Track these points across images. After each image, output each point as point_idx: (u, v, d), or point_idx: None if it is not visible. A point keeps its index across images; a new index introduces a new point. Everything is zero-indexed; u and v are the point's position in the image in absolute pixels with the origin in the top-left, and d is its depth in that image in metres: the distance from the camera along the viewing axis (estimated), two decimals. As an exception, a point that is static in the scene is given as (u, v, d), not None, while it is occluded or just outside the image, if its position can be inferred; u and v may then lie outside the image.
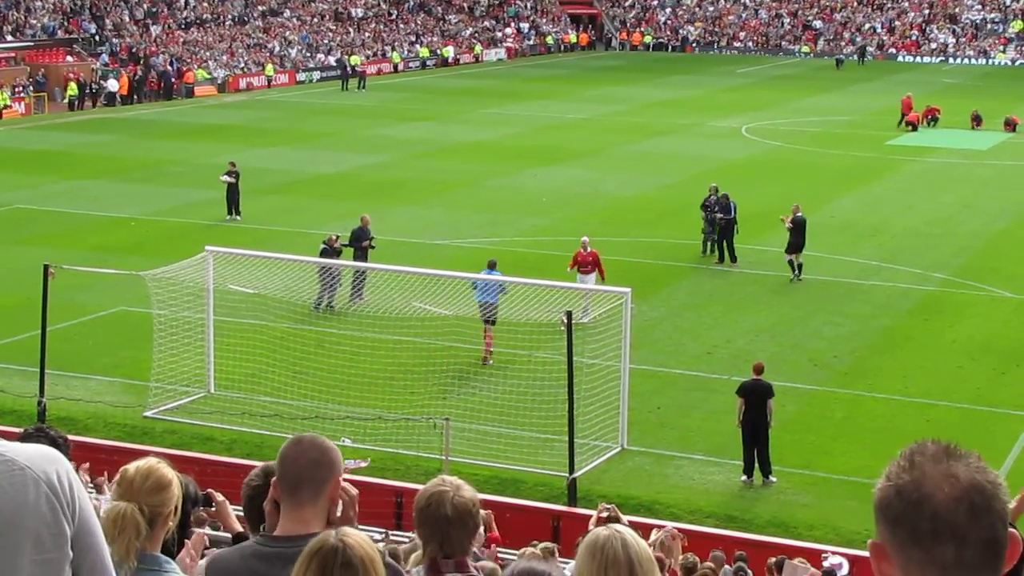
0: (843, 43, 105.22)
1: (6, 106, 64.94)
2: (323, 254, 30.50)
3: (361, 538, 3.83)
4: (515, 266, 33.76)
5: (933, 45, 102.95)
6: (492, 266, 27.94)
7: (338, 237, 31.48)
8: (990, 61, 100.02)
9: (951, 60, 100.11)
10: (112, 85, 70.53)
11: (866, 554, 2.90)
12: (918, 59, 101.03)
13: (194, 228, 38.67)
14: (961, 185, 49.48)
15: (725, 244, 35.54)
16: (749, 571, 15.51)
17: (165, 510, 4.92)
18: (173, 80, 74.20)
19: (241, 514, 6.30)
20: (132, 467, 5.06)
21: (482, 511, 15.82)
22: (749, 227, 36.17)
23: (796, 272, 34.36)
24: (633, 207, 43.76)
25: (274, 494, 4.90)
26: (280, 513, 4.86)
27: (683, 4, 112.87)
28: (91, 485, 13.48)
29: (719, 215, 35.51)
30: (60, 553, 3.66)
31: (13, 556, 3.58)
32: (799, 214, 34.45)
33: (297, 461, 4.72)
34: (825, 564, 16.39)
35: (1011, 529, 2.77)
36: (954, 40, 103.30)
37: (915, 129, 63.00)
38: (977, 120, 63.81)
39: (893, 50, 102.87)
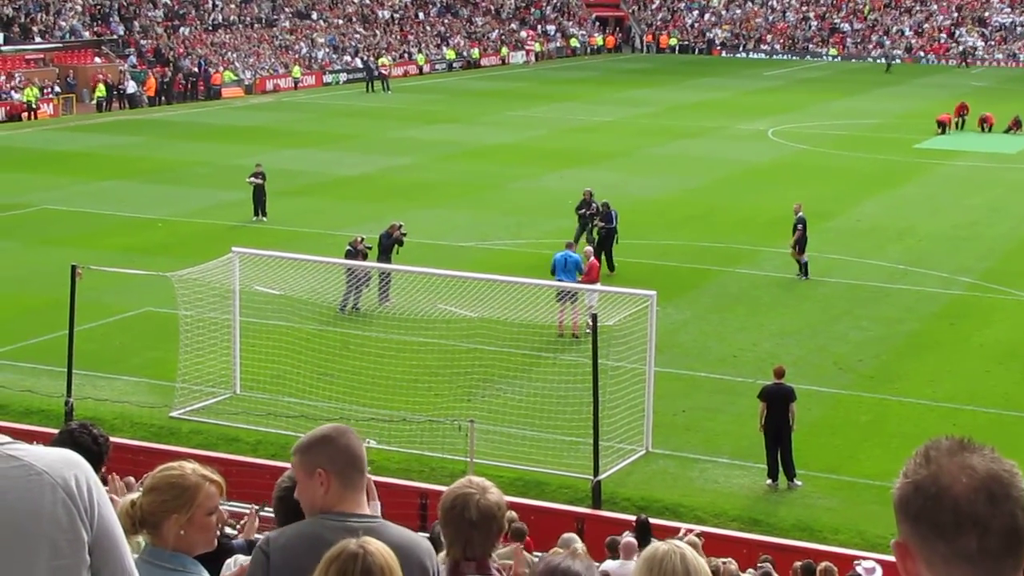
0: (871, 46, 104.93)
1: (36, 106, 65.24)
2: (348, 256, 30.57)
3: (381, 545, 3.84)
4: (540, 268, 33.78)
5: (961, 48, 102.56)
6: (569, 247, 30.26)
7: (363, 239, 31.54)
8: (1020, 64, 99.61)
9: (980, 63, 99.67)
10: (131, 87, 70.73)
11: (894, 559, 2.92)
12: (943, 62, 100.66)
13: (220, 229, 38.79)
14: (989, 189, 49.26)
15: (604, 254, 34.17)
16: (775, 574, 15.47)
17: (159, 510, 4.88)
18: (199, 82, 74.44)
19: (267, 513, 6.32)
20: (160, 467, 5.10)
21: (523, 526, 15.89)
22: (775, 231, 36.06)
23: (804, 272, 34.48)
24: (659, 209, 43.70)
25: (328, 483, 4.91)
26: (331, 500, 4.90)
27: (710, 7, 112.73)
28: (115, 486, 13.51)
29: (600, 224, 34.71)
30: (77, 559, 3.66)
31: (30, 561, 3.58)
32: (800, 214, 34.47)
33: (353, 448, 4.92)
34: (858, 569, 16.33)
35: None
36: (983, 43, 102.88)
37: (944, 131, 62.76)
38: (1017, 125, 63.34)
39: (921, 53, 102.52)
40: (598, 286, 28.96)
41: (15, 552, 3.56)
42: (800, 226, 34.20)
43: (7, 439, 3.69)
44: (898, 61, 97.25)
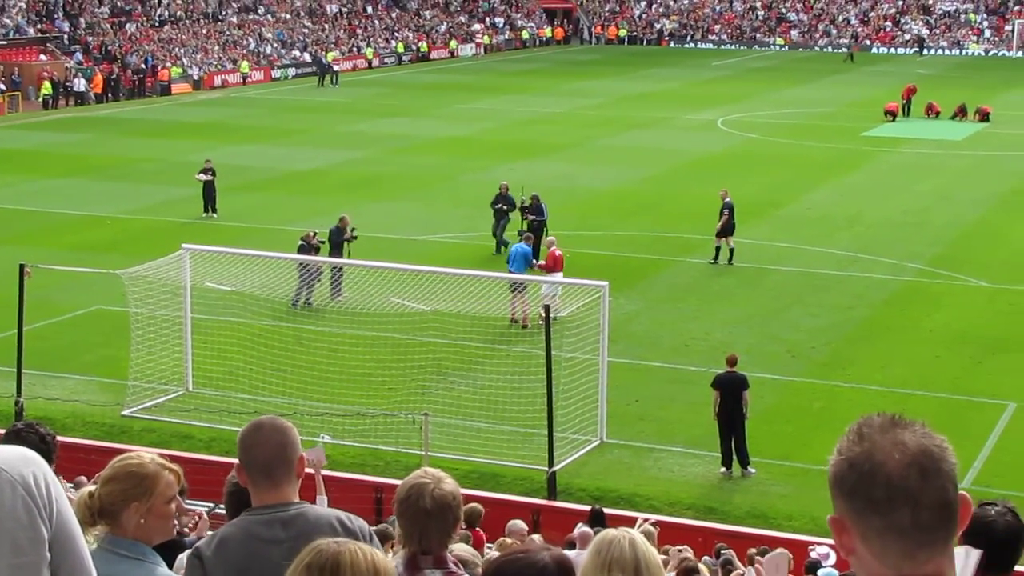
0: (817, 35, 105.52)
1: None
2: (301, 251, 30.48)
3: (363, 547, 3.76)
4: (494, 261, 33.79)
5: (907, 36, 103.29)
6: (526, 240, 31.23)
7: (315, 234, 31.46)
8: (963, 52, 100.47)
9: (925, 51, 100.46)
10: (80, 85, 70.15)
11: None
12: (892, 51, 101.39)
13: (170, 226, 38.56)
14: (937, 175, 49.67)
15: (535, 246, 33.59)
16: (738, 563, 15.53)
17: (118, 499, 4.87)
18: (147, 78, 73.93)
19: (220, 511, 6.32)
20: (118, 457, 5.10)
21: (477, 507, 15.87)
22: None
23: (729, 257, 34.79)
24: (610, 200, 43.79)
25: (243, 480, 5.04)
26: (253, 496, 5.00)
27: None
28: (71, 486, 13.45)
29: (532, 217, 34.65)
30: (37, 556, 3.65)
31: None
32: (728, 199, 34.78)
33: (265, 447, 4.97)
34: (812, 555, 16.42)
35: (960, 491, 2.87)
36: (928, 31, 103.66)
37: (894, 119, 63.22)
38: (963, 111, 63.92)
39: (868, 42, 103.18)
40: (554, 276, 28.98)
41: None
42: (727, 211, 34.54)
43: None
44: (846, 50, 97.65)
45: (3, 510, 3.56)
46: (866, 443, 2.85)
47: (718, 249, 35.01)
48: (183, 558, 6.47)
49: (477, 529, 15.80)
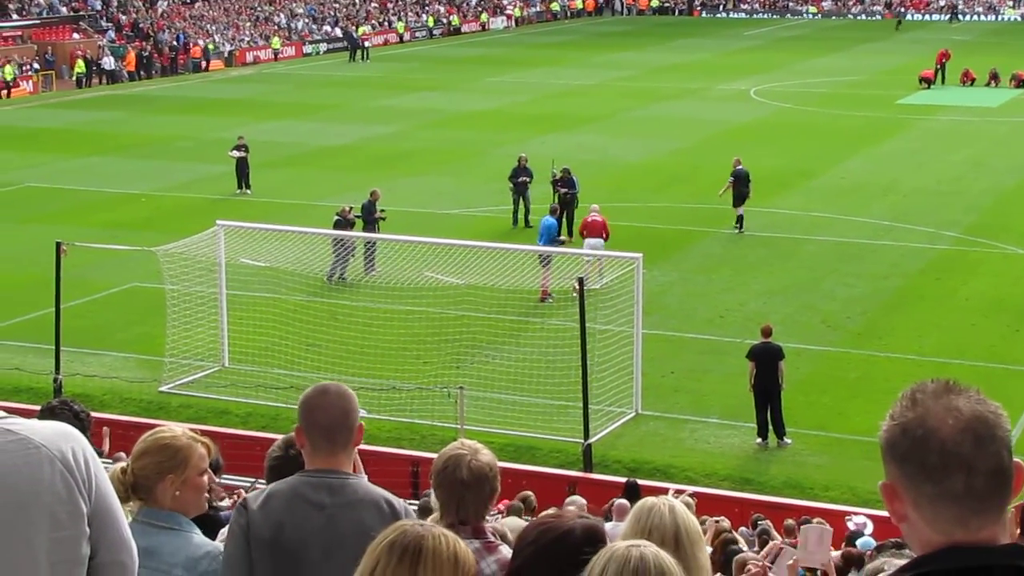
0: (851, 3, 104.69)
1: (13, 81, 64.87)
2: (336, 226, 30.51)
3: (448, 535, 3.68)
4: (526, 234, 33.78)
5: (942, 3, 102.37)
6: (552, 212, 31.40)
7: (351, 208, 31.51)
8: (999, 17, 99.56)
9: (960, 17, 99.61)
10: (108, 63, 70.32)
11: (886, 514, 2.95)
12: (927, 17, 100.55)
13: (204, 203, 38.70)
14: (972, 143, 49.31)
15: (565, 218, 33.88)
16: (775, 534, 15.52)
17: (153, 472, 4.92)
18: (179, 55, 74.08)
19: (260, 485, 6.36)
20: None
21: (530, 495, 15.85)
22: (760, 190, 36.05)
23: (738, 225, 35.14)
24: (643, 172, 43.68)
25: (300, 442, 5.06)
26: (308, 460, 5.05)
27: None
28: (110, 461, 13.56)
29: (564, 190, 34.53)
30: (77, 530, 3.69)
31: (30, 533, 3.60)
32: (740, 167, 35.00)
33: (328, 410, 5.02)
34: (850, 525, 16.40)
35: (1015, 459, 2.83)
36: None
37: (929, 86, 62.78)
38: (996, 78, 63.48)
39: (902, 9, 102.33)
40: (587, 248, 28.97)
41: (15, 524, 3.58)
42: (732, 179, 35.02)
43: (2, 413, 3.71)
44: (895, 17, 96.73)
45: (42, 485, 3.60)
46: (919, 408, 2.82)
47: (740, 217, 35.16)
48: (224, 533, 6.52)
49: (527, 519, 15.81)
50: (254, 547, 4.96)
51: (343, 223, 30.69)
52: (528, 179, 35.72)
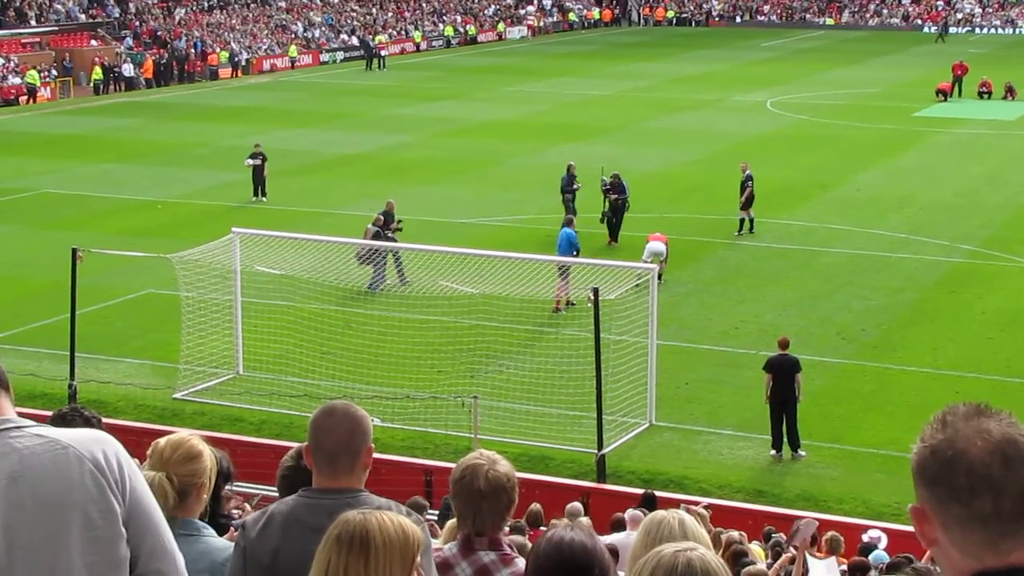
0: (868, 15, 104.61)
1: (35, 88, 65.09)
2: (376, 237, 30.18)
3: (390, 515, 3.74)
4: (542, 244, 33.76)
5: (959, 15, 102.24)
6: (567, 223, 30.75)
7: (399, 220, 31.47)
8: (1016, 31, 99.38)
9: (977, 30, 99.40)
10: (127, 70, 70.54)
11: (901, 527, 2.93)
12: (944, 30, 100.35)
13: (220, 210, 38.77)
14: (989, 156, 49.20)
15: (614, 223, 34.59)
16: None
17: (196, 480, 4.98)
18: (196, 63, 74.27)
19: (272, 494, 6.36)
20: (163, 440, 5.16)
21: (537, 507, 15.82)
22: (775, 202, 36.06)
23: (750, 227, 35.76)
24: (658, 183, 43.64)
25: (308, 462, 5.02)
26: (315, 479, 5.00)
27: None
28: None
29: (615, 196, 34.73)
30: (112, 530, 3.67)
31: (64, 533, 3.61)
32: (748, 171, 35.62)
33: (332, 433, 4.91)
34: (865, 538, 16.36)
35: None
36: (980, 10, 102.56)
37: (946, 99, 62.68)
38: (1011, 92, 63.36)
39: (919, 21, 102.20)
40: (596, 260, 28.97)
41: (48, 523, 3.59)
42: (750, 184, 35.36)
43: (31, 422, 3.72)
44: (936, 32, 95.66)
45: (72, 482, 3.61)
46: (949, 430, 2.80)
47: (742, 222, 35.75)
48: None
49: (541, 529, 15.76)
50: (252, 572, 4.93)
51: (381, 235, 30.37)
52: (579, 187, 35.72)
